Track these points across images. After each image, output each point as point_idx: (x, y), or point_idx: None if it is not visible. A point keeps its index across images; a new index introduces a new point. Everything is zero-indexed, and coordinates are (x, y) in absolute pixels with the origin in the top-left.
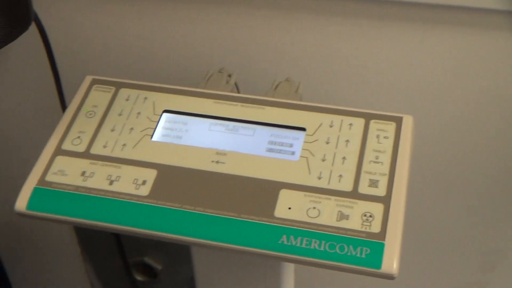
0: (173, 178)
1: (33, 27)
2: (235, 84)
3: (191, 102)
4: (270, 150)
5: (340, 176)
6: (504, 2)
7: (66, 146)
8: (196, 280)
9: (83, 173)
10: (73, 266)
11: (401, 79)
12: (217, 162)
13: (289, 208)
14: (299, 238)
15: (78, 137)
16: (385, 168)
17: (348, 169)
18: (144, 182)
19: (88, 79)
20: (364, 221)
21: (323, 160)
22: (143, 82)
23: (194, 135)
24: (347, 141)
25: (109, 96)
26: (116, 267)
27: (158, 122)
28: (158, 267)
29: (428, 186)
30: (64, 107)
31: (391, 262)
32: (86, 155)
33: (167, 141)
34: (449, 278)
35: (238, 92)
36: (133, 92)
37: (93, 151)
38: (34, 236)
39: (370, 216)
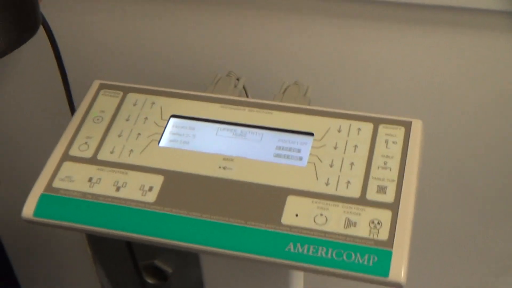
0: (180, 184)
1: (41, 31)
2: (244, 87)
3: (199, 106)
4: (277, 155)
5: (348, 182)
6: None
7: (74, 152)
8: (205, 286)
9: (90, 179)
10: (84, 268)
11: (411, 82)
12: (224, 168)
13: (296, 215)
14: (306, 245)
15: (86, 142)
16: (394, 174)
17: (356, 175)
18: (150, 189)
19: (96, 83)
20: (372, 228)
21: (331, 165)
22: (150, 87)
23: (201, 141)
24: (355, 146)
25: (116, 101)
26: (127, 270)
27: (165, 127)
28: (169, 270)
29: (438, 191)
30: (73, 110)
31: (399, 270)
32: (93, 161)
33: (174, 146)
34: (460, 283)
35: (247, 96)
36: (141, 97)
37: (100, 157)
38: (44, 238)
39: (378, 223)
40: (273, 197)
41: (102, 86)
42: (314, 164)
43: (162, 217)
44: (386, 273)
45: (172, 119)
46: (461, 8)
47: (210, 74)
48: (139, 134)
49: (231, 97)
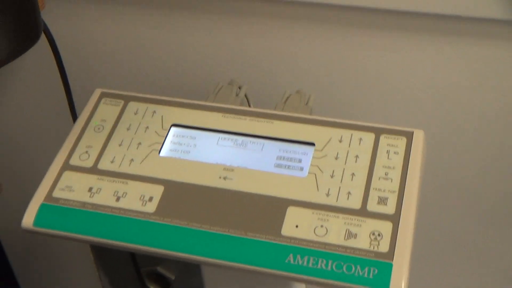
0: (180, 194)
1: (43, 39)
2: (245, 96)
3: (200, 116)
4: (278, 165)
5: (349, 193)
6: None
7: (74, 161)
8: None
9: (90, 189)
10: (87, 274)
11: (414, 91)
12: (225, 178)
13: (296, 226)
14: (306, 257)
15: (86, 152)
16: (395, 185)
17: (357, 185)
18: (150, 199)
19: (97, 92)
20: (372, 240)
21: (332, 176)
22: (151, 96)
23: (202, 150)
24: (357, 156)
25: (117, 110)
26: (129, 276)
27: (166, 136)
28: (171, 276)
29: (441, 200)
30: (74, 117)
31: (399, 283)
32: (93, 170)
33: (175, 156)
34: None
35: (248, 104)
36: (142, 106)
37: (101, 166)
38: (46, 244)
39: (379, 235)
40: (273, 208)
41: (103, 95)
42: (315, 175)
43: (162, 227)
44: (386, 285)
45: (173, 128)
46: (465, 17)
47: (212, 82)
48: (139, 143)
49: (232, 106)
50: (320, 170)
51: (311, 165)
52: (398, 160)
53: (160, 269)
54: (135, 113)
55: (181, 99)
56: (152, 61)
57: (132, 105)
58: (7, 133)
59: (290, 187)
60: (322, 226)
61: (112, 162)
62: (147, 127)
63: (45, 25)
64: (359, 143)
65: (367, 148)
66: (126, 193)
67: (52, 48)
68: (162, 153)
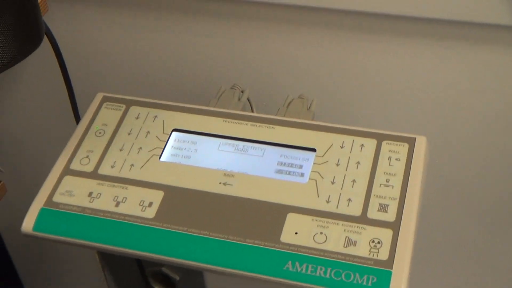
0: (179, 200)
1: (46, 42)
2: (248, 100)
3: (201, 120)
4: (279, 171)
5: (349, 200)
6: None
7: (75, 166)
8: None
9: (90, 194)
10: (91, 274)
11: (418, 96)
12: (225, 184)
13: (296, 233)
14: (305, 264)
15: (87, 156)
16: (396, 192)
17: (358, 192)
18: (150, 204)
19: (99, 96)
20: (372, 248)
21: (333, 183)
22: (153, 100)
23: (203, 155)
24: (358, 163)
25: (119, 114)
26: (135, 277)
27: (167, 141)
28: (176, 277)
29: (442, 203)
30: (78, 120)
31: None
32: (94, 175)
33: (176, 161)
34: None
35: (251, 108)
36: (143, 110)
37: (101, 171)
38: (50, 244)
39: (379, 242)
40: (273, 215)
41: (105, 99)
42: (316, 181)
43: (161, 233)
44: None
45: (174, 133)
46: (466, 22)
47: (215, 86)
48: (140, 148)
49: (234, 112)
50: (321, 176)
51: (312, 171)
52: (400, 167)
53: (164, 270)
54: (137, 118)
55: (182, 103)
56: (154, 64)
57: (134, 110)
58: (11, 135)
59: (290, 193)
60: (321, 233)
61: (112, 167)
62: (148, 132)
63: (47, 28)
64: (361, 149)
65: (368, 155)
66: (126, 198)
67: (55, 51)
68: (163, 158)
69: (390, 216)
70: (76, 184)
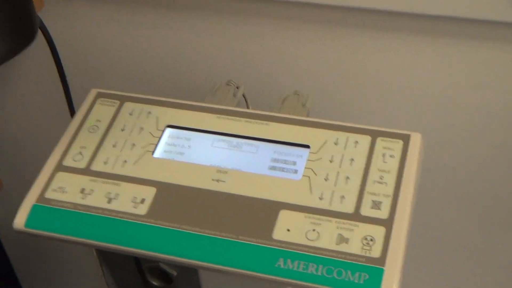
0: (172, 196)
1: (41, 37)
2: (244, 96)
3: (195, 117)
4: (272, 168)
5: (342, 197)
6: None
7: (67, 162)
8: None
9: (82, 191)
10: (89, 270)
11: (413, 93)
12: (218, 180)
13: (288, 230)
14: (296, 261)
15: (80, 153)
16: (389, 190)
17: (351, 189)
18: (142, 201)
19: (93, 92)
20: (364, 245)
21: (326, 179)
22: (147, 96)
23: (196, 152)
24: (352, 159)
25: (113, 110)
26: (132, 272)
27: (160, 137)
28: (173, 272)
29: (441, 202)
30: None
31: None
32: (86, 171)
33: (169, 157)
34: None
35: (246, 104)
36: (137, 106)
37: (94, 167)
38: (47, 241)
39: (371, 239)
40: (266, 211)
41: (99, 95)
42: (309, 178)
43: (153, 230)
44: None
45: (168, 129)
46: (465, 19)
47: (210, 82)
48: (133, 144)
49: (228, 108)
50: (314, 173)
51: (305, 168)
52: (394, 164)
53: (162, 265)
54: (130, 114)
55: (176, 99)
56: (150, 60)
57: (128, 106)
58: (7, 130)
59: (283, 190)
60: (314, 230)
61: (105, 163)
62: (142, 128)
63: (42, 24)
64: (355, 146)
65: (362, 151)
66: (118, 195)
67: (50, 47)
68: (156, 155)
69: (383, 213)
70: (68, 181)
